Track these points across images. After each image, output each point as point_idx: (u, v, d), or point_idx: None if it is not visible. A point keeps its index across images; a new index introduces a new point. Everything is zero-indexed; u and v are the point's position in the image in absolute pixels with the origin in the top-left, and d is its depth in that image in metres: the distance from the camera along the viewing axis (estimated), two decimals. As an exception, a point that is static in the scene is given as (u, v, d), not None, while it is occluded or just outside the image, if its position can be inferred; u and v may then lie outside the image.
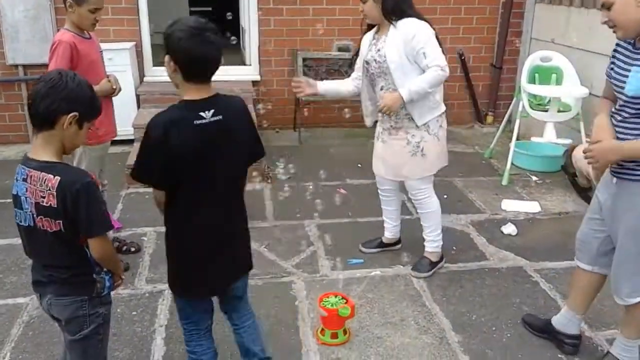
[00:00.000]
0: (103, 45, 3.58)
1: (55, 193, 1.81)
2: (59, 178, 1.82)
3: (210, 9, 9.35)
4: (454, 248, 3.82)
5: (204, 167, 2.02)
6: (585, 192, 4.63)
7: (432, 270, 3.50)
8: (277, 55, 6.12)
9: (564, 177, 4.93)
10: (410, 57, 3.12)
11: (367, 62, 3.29)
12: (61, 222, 1.85)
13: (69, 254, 1.92)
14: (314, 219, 4.19)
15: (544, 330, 2.92)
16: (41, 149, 1.87)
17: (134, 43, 5.73)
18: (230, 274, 2.29)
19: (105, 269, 2.01)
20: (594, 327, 3.02)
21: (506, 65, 6.46)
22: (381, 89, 3.27)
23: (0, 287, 3.34)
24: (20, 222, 1.91)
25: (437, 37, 3.16)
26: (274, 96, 6.19)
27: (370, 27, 3.34)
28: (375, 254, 3.73)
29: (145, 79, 5.95)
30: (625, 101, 2.29)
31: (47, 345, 2.82)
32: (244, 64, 6.41)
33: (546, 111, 5.01)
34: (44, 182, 1.83)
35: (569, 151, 4.78)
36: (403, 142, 3.31)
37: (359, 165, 5.24)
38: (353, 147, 5.71)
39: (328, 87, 3.48)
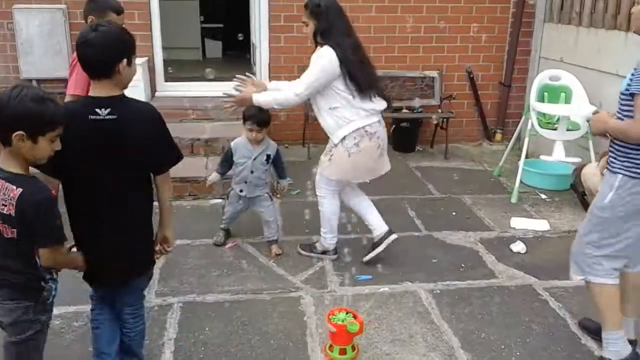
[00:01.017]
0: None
1: (14, 204, 1.91)
2: (20, 190, 1.91)
3: (221, 25, 9.48)
4: (463, 265, 3.81)
5: (91, 161, 2.16)
6: (594, 211, 4.61)
7: (310, 254, 3.89)
8: (287, 72, 6.15)
9: (573, 196, 4.92)
10: None
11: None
12: (16, 230, 1.95)
13: (20, 260, 2.00)
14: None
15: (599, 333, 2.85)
16: (7, 161, 1.96)
17: (146, 58, 5.80)
18: (111, 277, 2.37)
19: (55, 277, 2.10)
20: (602, 347, 2.99)
21: (515, 83, 6.49)
22: (312, 103, 3.60)
23: None
24: None
25: (349, 70, 3.39)
26: (283, 112, 6.21)
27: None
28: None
29: (157, 93, 6.01)
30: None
31: (57, 357, 2.80)
32: (254, 79, 6.46)
33: (555, 129, 5.02)
34: (7, 192, 1.92)
35: (578, 170, 4.77)
36: (327, 147, 3.66)
37: (368, 182, 5.25)
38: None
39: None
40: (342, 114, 3.47)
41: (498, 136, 6.62)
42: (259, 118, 3.74)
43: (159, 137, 2.29)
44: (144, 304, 2.61)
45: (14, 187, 1.91)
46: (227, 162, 3.92)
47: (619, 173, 2.61)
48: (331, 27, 3.41)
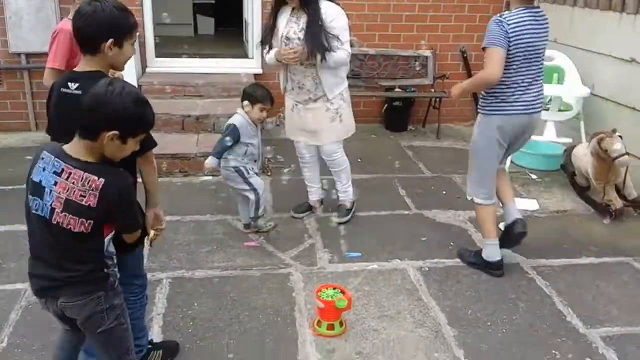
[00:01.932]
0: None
1: (97, 194, 1.81)
2: (103, 180, 1.82)
3: (213, 1, 9.36)
4: (452, 243, 3.83)
5: (61, 131, 2.09)
6: (583, 191, 4.65)
7: (350, 215, 4.08)
8: (279, 48, 6.11)
9: (563, 176, 4.95)
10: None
11: (287, 39, 3.63)
12: (92, 222, 1.84)
13: (86, 252, 1.90)
14: (312, 211, 4.21)
15: (475, 263, 3.53)
16: (83, 152, 1.85)
17: (137, 34, 5.72)
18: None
19: (114, 262, 2.02)
20: (588, 324, 3.04)
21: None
22: (301, 64, 3.64)
23: (-1, 273, 3.36)
24: (37, 211, 1.87)
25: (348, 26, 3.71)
26: (275, 90, 6.13)
27: (282, 2, 3.66)
28: (307, 217, 4.14)
29: (147, 69, 5.95)
30: None
31: (45, 331, 2.82)
32: (246, 56, 6.41)
33: (547, 110, 5.01)
34: (87, 182, 1.81)
35: (569, 150, 4.79)
36: (323, 109, 3.77)
37: (359, 160, 5.26)
38: (354, 141, 5.67)
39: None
40: (341, 74, 3.77)
41: (490, 116, 6.60)
42: (271, 97, 3.75)
43: None
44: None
45: (96, 177, 1.81)
46: (230, 145, 3.70)
47: (479, 113, 3.37)
48: None
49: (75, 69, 2.23)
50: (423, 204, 4.45)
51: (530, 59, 3.14)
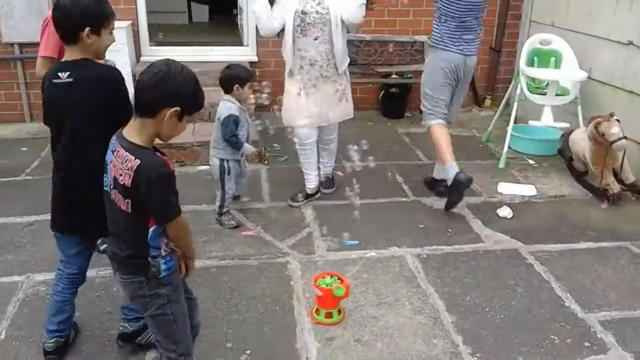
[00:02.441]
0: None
1: (132, 174, 1.86)
2: (138, 161, 1.86)
3: (207, -11, 9.27)
4: (450, 230, 3.83)
5: (53, 119, 2.37)
6: (581, 176, 4.64)
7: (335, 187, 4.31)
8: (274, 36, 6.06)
9: (560, 161, 4.94)
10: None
11: (304, 13, 3.68)
12: (130, 201, 1.91)
13: (130, 231, 1.97)
14: (310, 200, 4.19)
15: (433, 186, 4.35)
16: (136, 132, 1.91)
17: (130, 22, 5.68)
18: (76, 223, 2.45)
19: (163, 254, 2.02)
20: (586, 309, 3.04)
21: (505, 48, 6.43)
22: (315, 39, 3.72)
23: (-4, 265, 3.35)
24: (105, 187, 2.00)
25: None
26: (271, 77, 6.11)
27: None
28: (304, 205, 4.14)
29: (141, 58, 5.90)
30: None
31: (42, 324, 2.82)
32: (241, 44, 6.36)
33: (544, 94, 4.99)
34: (125, 162, 1.88)
35: (566, 135, 4.78)
36: (331, 89, 3.88)
37: (356, 147, 5.23)
38: (351, 128, 5.66)
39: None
40: (347, 48, 3.91)
41: (487, 102, 6.58)
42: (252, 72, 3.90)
43: (116, 98, 2.31)
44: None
45: (133, 158, 1.87)
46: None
47: (431, 46, 4.10)
48: None
49: (62, 60, 2.35)
50: (420, 191, 4.44)
51: (461, 13, 3.89)
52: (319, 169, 4.25)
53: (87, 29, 2.21)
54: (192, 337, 2.29)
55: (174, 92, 1.86)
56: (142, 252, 1.98)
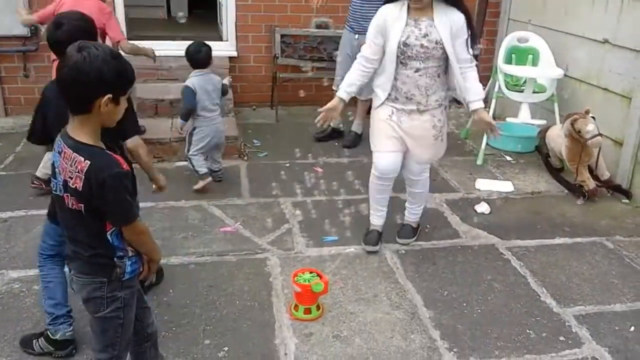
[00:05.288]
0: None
1: (82, 177, 1.75)
2: (88, 162, 1.75)
3: (187, -18, 9.15)
4: (428, 226, 3.85)
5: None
6: (557, 172, 4.70)
7: (416, 235, 3.67)
8: (254, 31, 6.04)
9: (537, 158, 4.99)
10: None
11: (405, 45, 3.11)
12: (83, 205, 1.80)
13: (89, 234, 1.87)
14: (289, 196, 4.19)
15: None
16: (78, 130, 1.79)
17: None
18: None
19: (130, 255, 1.94)
20: (562, 304, 3.08)
21: (483, 46, 6.46)
22: (416, 71, 3.16)
23: (-32, 263, 3.29)
24: (55, 190, 1.87)
25: None
26: (250, 73, 6.13)
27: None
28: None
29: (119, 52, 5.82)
30: None
31: (17, 321, 2.78)
32: (220, 39, 6.31)
33: (522, 92, 5.05)
34: (74, 163, 1.77)
35: (543, 132, 4.83)
36: (428, 124, 3.29)
37: (336, 143, 5.24)
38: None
39: (352, 90, 3.29)
40: (445, 80, 3.30)
41: (466, 99, 6.62)
42: None
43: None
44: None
45: (82, 159, 1.75)
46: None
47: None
48: None
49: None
50: (399, 187, 4.43)
51: None
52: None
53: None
54: (152, 345, 2.27)
55: (98, 80, 1.70)
56: (107, 252, 1.89)
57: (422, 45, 3.10)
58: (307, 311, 2.88)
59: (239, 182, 4.46)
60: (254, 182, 4.46)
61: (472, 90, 3.24)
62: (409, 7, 3.14)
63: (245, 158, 4.88)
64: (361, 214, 3.94)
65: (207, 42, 4.39)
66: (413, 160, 3.40)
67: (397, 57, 3.15)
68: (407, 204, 3.68)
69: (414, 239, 3.64)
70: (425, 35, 3.10)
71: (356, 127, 5.26)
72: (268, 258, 3.42)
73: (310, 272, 2.95)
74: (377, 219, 3.60)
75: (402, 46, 3.12)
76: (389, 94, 3.25)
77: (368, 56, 3.24)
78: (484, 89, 5.61)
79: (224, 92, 4.33)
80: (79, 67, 1.70)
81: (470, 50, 3.20)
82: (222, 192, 4.21)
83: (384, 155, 3.37)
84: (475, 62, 3.25)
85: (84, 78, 1.70)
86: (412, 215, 3.66)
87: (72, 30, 2.39)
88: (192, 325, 2.82)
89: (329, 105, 3.28)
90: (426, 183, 3.57)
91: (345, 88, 3.28)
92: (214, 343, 2.70)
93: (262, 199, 4.15)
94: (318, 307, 2.92)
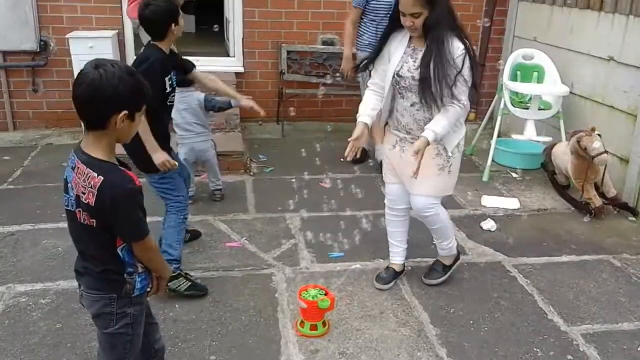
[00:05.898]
0: (85, 34, 3.56)
1: (95, 192, 1.77)
2: (102, 179, 1.77)
3: (194, -1, 9.26)
4: (434, 242, 3.83)
5: None
6: (564, 190, 4.69)
7: (448, 274, 3.39)
8: (261, 47, 6.09)
9: (543, 175, 4.99)
10: None
11: (399, 76, 2.94)
12: (95, 221, 1.82)
13: (101, 249, 1.89)
14: (295, 212, 4.19)
15: None
16: (92, 146, 1.81)
17: (116, 31, 5.66)
18: None
19: (140, 271, 1.96)
20: (569, 322, 3.06)
21: (489, 63, 6.50)
22: (412, 105, 2.96)
23: (-25, 276, 3.29)
24: (67, 205, 1.89)
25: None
26: (257, 89, 6.16)
27: (395, 26, 2.97)
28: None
29: (127, 68, 5.87)
30: None
31: (24, 335, 2.78)
32: (227, 55, 6.37)
33: (527, 109, 5.06)
34: (88, 179, 1.78)
35: (549, 149, 4.84)
36: (433, 152, 2.99)
37: (342, 159, 5.24)
38: (337, 141, 5.69)
39: (374, 114, 3.09)
40: (461, 121, 3.03)
41: (472, 115, 6.62)
42: None
43: None
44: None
45: (95, 175, 1.76)
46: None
47: None
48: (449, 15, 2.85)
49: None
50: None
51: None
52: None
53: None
54: None
55: (115, 97, 1.74)
56: (117, 268, 1.91)
57: (413, 78, 2.89)
58: (314, 328, 2.88)
59: (245, 197, 4.47)
60: (260, 197, 4.46)
61: (437, 121, 2.87)
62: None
63: (252, 173, 4.90)
64: (368, 230, 3.94)
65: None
66: (414, 193, 3.14)
67: (394, 86, 2.99)
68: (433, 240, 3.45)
69: (441, 279, 3.36)
70: (418, 68, 2.87)
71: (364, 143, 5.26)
72: (274, 274, 3.42)
73: (317, 289, 2.95)
74: (394, 256, 3.41)
75: (396, 76, 2.95)
76: (391, 121, 3.14)
77: (378, 82, 3.09)
78: (490, 106, 5.67)
79: (207, 108, 4.11)
80: (96, 84, 1.73)
81: (459, 91, 2.86)
82: (228, 208, 4.22)
83: (389, 186, 3.33)
84: (465, 103, 2.90)
85: (101, 95, 1.73)
86: (440, 250, 3.39)
87: (157, 11, 2.99)
88: (198, 340, 2.81)
89: (355, 134, 2.99)
90: (438, 220, 3.22)
91: (368, 112, 3.06)
92: (220, 359, 2.70)
93: (268, 215, 4.16)
94: (324, 324, 2.91)
